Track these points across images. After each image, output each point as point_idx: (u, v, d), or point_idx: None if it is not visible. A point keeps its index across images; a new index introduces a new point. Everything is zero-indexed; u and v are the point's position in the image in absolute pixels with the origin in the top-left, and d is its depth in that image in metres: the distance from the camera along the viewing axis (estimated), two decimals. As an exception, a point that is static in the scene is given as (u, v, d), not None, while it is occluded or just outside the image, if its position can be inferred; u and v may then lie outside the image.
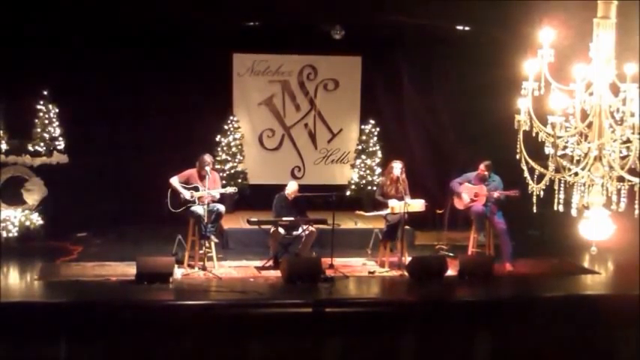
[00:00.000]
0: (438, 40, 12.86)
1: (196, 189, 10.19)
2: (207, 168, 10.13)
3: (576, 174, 5.05)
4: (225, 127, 13.19)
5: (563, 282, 10.31)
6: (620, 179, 5.02)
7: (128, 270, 9.72)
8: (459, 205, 10.97)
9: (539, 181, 5.21)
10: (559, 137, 5.01)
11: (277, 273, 9.97)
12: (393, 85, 13.56)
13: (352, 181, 13.63)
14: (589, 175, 4.97)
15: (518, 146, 5.25)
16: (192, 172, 10.33)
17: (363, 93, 13.77)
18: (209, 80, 12.93)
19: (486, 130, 12.22)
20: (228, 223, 11.73)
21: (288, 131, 13.80)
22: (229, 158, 13.13)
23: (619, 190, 5.06)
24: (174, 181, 10.24)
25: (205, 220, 10.00)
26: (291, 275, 9.60)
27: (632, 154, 4.91)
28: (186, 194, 10.14)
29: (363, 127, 13.69)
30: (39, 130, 11.92)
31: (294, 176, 13.25)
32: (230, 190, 10.63)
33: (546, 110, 5.03)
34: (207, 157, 10.32)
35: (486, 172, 10.73)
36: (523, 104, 5.12)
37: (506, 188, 10.54)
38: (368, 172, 13.52)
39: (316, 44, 13.19)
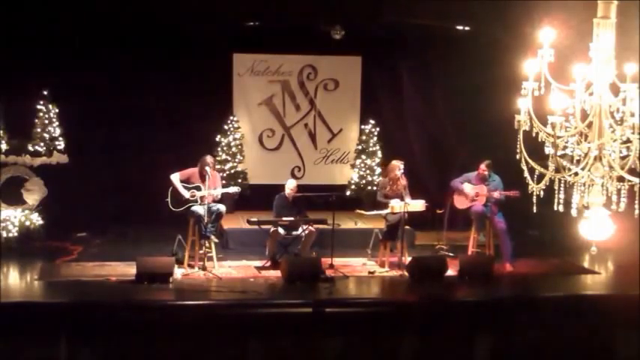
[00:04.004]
0: (438, 40, 12.86)
1: (198, 188, 10.20)
2: (208, 168, 10.14)
3: (576, 174, 5.05)
4: (225, 127, 13.19)
5: (563, 282, 10.30)
6: (620, 179, 5.02)
7: (128, 270, 9.72)
8: (459, 204, 10.97)
9: (539, 181, 5.22)
10: (559, 137, 5.01)
11: (277, 273, 9.96)
12: (393, 85, 13.56)
13: (352, 181, 13.63)
14: (589, 175, 4.97)
15: (518, 146, 5.26)
16: (193, 171, 10.34)
17: (363, 93, 13.77)
18: (209, 80, 12.93)
19: (486, 130, 12.22)
20: (228, 223, 11.73)
21: (288, 131, 13.80)
22: (229, 158, 13.13)
23: (619, 190, 5.07)
24: (175, 177, 10.24)
25: (205, 220, 10.01)
26: (291, 275, 9.60)
27: (632, 154, 4.91)
28: (185, 194, 10.15)
29: (363, 127, 13.69)
30: (39, 130, 11.90)
31: (294, 176, 13.22)
32: (233, 189, 10.60)
33: (546, 110, 5.04)
34: (209, 158, 10.33)
35: (486, 172, 10.73)
36: (523, 104, 5.12)
37: (506, 188, 10.54)
38: (368, 172, 13.52)
39: (316, 44, 13.19)
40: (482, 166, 10.75)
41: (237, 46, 13.19)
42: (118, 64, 12.03)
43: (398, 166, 10.64)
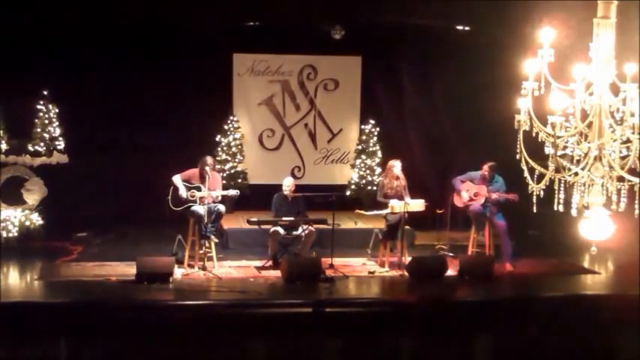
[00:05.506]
0: (438, 40, 12.86)
1: (199, 189, 10.21)
2: (208, 169, 10.16)
3: (576, 174, 5.05)
4: (225, 127, 13.19)
5: (563, 282, 10.30)
6: (620, 179, 5.02)
7: (128, 270, 9.72)
8: (457, 202, 10.97)
9: (539, 181, 5.22)
10: (559, 137, 5.01)
11: (277, 273, 9.97)
12: (393, 85, 13.56)
13: (352, 181, 13.62)
14: (589, 175, 4.97)
15: (518, 146, 5.26)
16: (194, 171, 10.37)
17: (363, 93, 13.77)
18: (209, 80, 12.92)
19: (486, 130, 12.22)
20: (228, 223, 11.72)
21: (288, 131, 13.80)
22: (229, 158, 13.13)
23: (619, 190, 5.07)
24: (177, 179, 10.28)
25: (205, 220, 10.02)
26: (291, 275, 9.60)
27: (632, 154, 4.91)
28: (185, 193, 10.16)
29: (363, 127, 13.69)
30: (39, 130, 11.91)
31: (294, 176, 13.19)
32: (232, 192, 10.59)
33: (546, 110, 5.04)
34: (209, 159, 10.35)
35: (487, 173, 10.72)
36: (523, 104, 5.12)
37: (507, 190, 10.52)
38: (368, 172, 13.52)
39: (316, 44, 13.19)
40: (486, 167, 10.74)
41: (237, 46, 13.18)
42: (118, 64, 12.04)
43: (395, 164, 10.66)
